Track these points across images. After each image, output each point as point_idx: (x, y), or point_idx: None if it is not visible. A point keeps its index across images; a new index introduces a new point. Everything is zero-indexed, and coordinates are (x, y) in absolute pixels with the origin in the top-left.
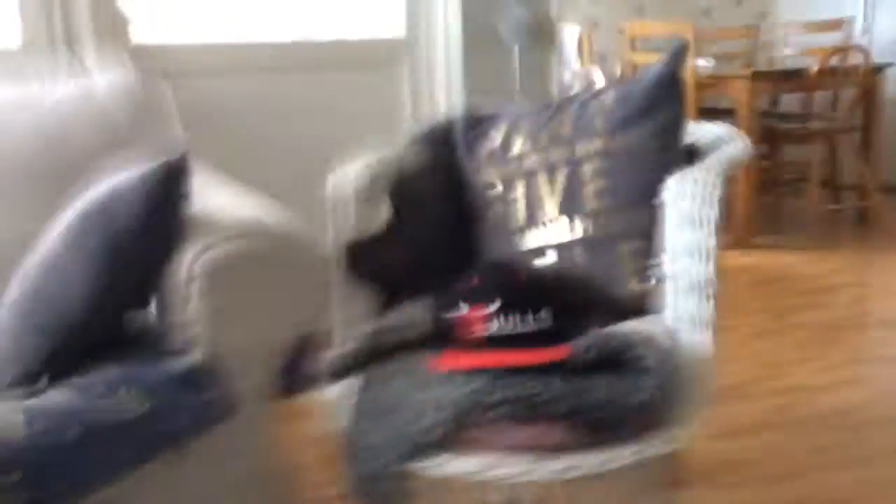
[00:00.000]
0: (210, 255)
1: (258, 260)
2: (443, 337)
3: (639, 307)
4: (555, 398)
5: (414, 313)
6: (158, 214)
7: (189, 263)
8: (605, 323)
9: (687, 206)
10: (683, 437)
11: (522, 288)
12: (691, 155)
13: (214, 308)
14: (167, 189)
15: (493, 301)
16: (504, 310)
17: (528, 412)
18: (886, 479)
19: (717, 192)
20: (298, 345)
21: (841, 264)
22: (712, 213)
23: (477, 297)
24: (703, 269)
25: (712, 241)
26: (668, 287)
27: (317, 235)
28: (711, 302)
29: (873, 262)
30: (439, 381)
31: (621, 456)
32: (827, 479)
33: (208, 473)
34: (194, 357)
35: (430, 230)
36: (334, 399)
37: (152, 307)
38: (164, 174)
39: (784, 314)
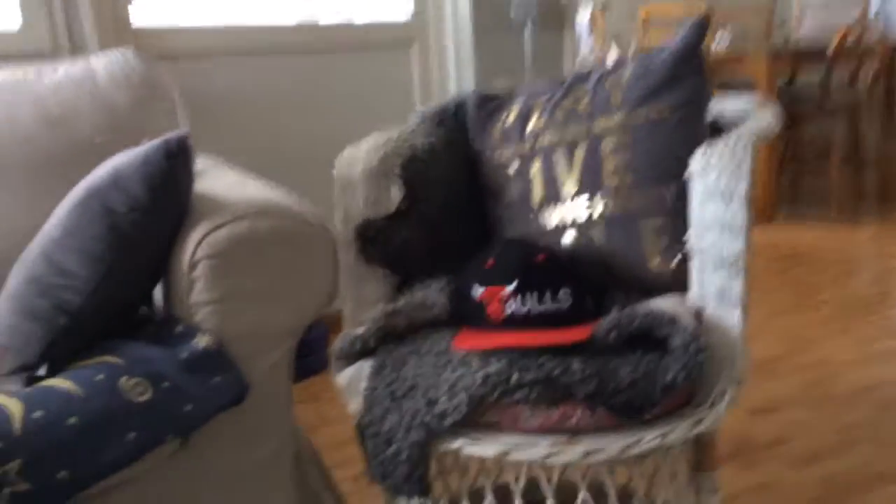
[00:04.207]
0: (215, 236)
1: (266, 241)
2: (458, 318)
3: (663, 285)
4: (576, 381)
5: (428, 295)
6: (160, 199)
7: (194, 245)
8: (627, 302)
9: (714, 179)
10: (711, 420)
11: (540, 268)
12: (716, 130)
13: (221, 291)
14: (168, 171)
15: (510, 282)
16: (521, 290)
17: (548, 395)
18: None
19: (747, 164)
20: (311, 327)
21: (864, 239)
22: (741, 185)
23: (493, 278)
24: (732, 245)
25: (742, 215)
26: (695, 264)
27: (327, 217)
28: (741, 278)
29: None
30: (454, 363)
31: (645, 440)
32: (855, 458)
33: (224, 458)
34: (201, 341)
35: (444, 210)
36: (347, 382)
37: (157, 291)
38: (164, 156)
39: (808, 290)
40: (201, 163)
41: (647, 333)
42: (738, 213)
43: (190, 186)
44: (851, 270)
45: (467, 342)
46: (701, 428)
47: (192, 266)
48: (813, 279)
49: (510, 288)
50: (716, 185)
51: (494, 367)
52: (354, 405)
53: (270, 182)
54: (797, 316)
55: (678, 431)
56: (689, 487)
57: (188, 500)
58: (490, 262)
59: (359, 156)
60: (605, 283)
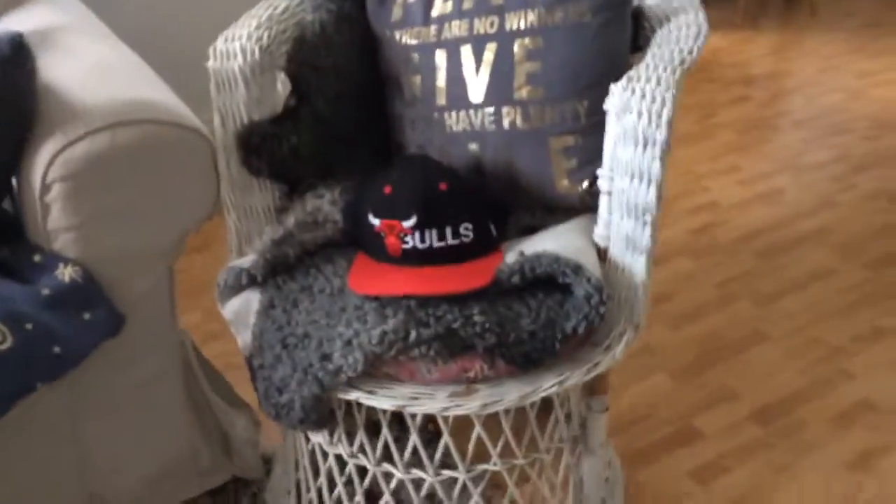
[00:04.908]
0: (70, 153)
1: (130, 155)
2: (353, 239)
3: (569, 207)
4: (476, 333)
5: (320, 207)
6: None
7: (45, 165)
8: (533, 222)
9: (632, 122)
10: (607, 363)
11: (441, 200)
12: (636, 24)
13: (81, 215)
14: (1, 80)
15: (408, 217)
16: (421, 226)
17: (447, 350)
18: (794, 311)
19: (668, 111)
20: None
21: (764, 51)
22: (660, 134)
23: (391, 210)
24: (644, 195)
25: (657, 166)
26: (603, 203)
27: (201, 119)
28: (650, 230)
29: (800, 46)
30: (349, 312)
31: (542, 387)
32: (733, 315)
33: (104, 385)
34: (64, 273)
35: (338, 103)
36: (234, 315)
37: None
38: None
39: (705, 112)
40: (52, 16)
41: (550, 278)
42: (653, 163)
43: (31, 94)
44: (749, 88)
45: (364, 283)
46: (597, 371)
47: (45, 189)
48: (712, 98)
49: (408, 224)
50: (633, 129)
51: (391, 323)
52: (243, 340)
53: (139, 49)
54: (692, 147)
55: (575, 377)
56: (580, 404)
57: (69, 431)
58: (387, 188)
59: (236, 47)
60: (510, 200)
